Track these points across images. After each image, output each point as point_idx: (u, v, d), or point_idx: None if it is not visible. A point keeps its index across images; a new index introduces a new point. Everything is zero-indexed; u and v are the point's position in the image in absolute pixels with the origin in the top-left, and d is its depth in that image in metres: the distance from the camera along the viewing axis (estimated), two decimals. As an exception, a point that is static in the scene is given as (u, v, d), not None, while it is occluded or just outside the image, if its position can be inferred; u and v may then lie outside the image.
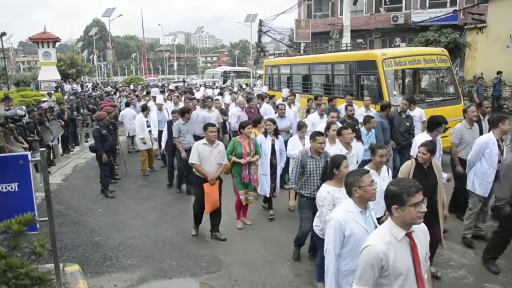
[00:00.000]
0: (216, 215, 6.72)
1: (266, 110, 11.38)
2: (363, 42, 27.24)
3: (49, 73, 30.62)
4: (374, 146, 5.16)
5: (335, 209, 3.68)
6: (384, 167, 5.12)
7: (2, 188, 4.05)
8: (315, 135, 5.58)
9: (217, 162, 6.55)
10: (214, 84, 31.33)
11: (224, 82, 38.52)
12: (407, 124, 8.51)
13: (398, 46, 26.96)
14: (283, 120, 9.24)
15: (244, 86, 27.21)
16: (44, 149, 4.41)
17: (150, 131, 10.89)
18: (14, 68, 78.08)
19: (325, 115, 8.99)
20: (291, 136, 8.72)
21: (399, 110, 8.54)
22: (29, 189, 4.14)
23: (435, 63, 11.20)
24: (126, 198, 9.16)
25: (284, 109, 9.44)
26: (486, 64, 20.24)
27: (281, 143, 7.68)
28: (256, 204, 7.64)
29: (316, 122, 8.84)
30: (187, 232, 7.15)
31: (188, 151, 8.79)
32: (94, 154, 9.57)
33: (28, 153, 4.52)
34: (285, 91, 13.19)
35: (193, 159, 6.48)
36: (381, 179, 4.92)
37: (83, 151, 13.85)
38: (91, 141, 10.64)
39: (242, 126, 7.21)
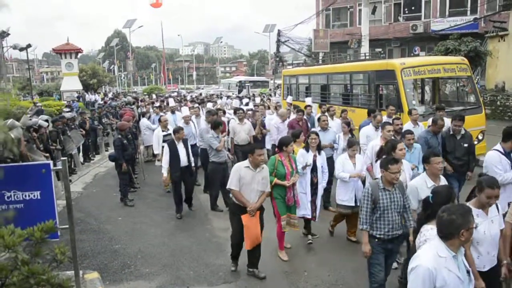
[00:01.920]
0: (255, 249, 5.73)
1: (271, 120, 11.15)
2: (382, 52, 27.17)
3: (71, 83, 31.31)
4: (484, 182, 3.89)
5: (420, 254, 3.00)
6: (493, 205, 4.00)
7: (25, 196, 4.15)
8: (387, 163, 4.57)
9: (259, 189, 5.62)
10: (223, 96, 29.66)
11: (239, 92, 38.09)
12: (465, 145, 7.12)
13: (418, 55, 26.74)
14: (326, 133, 8.43)
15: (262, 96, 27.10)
16: (65, 158, 4.51)
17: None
18: (38, 79, 79.90)
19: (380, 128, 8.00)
20: (334, 151, 8.36)
21: (451, 132, 7.20)
22: (50, 197, 4.23)
23: (455, 72, 11.07)
24: (145, 207, 9.25)
25: (327, 121, 8.65)
26: (508, 73, 19.90)
27: (323, 160, 6.89)
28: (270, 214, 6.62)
29: (372, 135, 8.13)
30: (205, 241, 7.18)
31: (223, 164, 8.55)
32: (114, 163, 9.70)
33: (50, 162, 4.62)
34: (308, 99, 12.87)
35: (232, 184, 5.55)
36: (489, 220, 3.92)
37: (103, 160, 14.05)
38: (111, 150, 10.73)
39: (284, 143, 6.31)
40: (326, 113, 10.12)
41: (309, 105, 11.71)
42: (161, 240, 7.29)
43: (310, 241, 6.80)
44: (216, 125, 8.72)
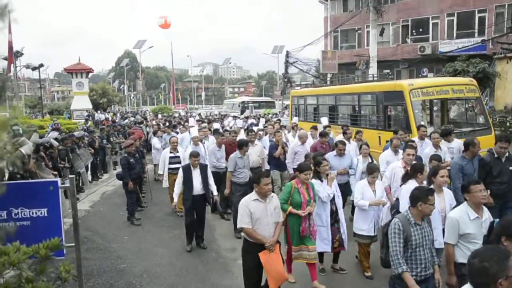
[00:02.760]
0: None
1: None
2: (390, 73, 27.21)
3: (81, 103, 31.70)
4: None
5: None
6: None
7: (32, 213, 4.14)
8: (427, 194, 4.07)
9: (273, 221, 5.06)
10: (229, 116, 28.84)
11: (242, 112, 37.79)
12: (510, 168, 6.49)
13: (426, 76, 26.78)
14: (343, 158, 8.05)
15: (269, 117, 27.14)
16: (73, 176, 4.52)
17: (178, 168, 8.98)
18: (49, 98, 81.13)
19: (400, 151, 7.78)
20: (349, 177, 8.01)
21: (496, 155, 6.56)
22: (58, 215, 4.21)
23: (463, 93, 11.04)
24: (152, 226, 9.21)
25: (343, 150, 8.09)
26: (517, 94, 19.86)
27: (336, 185, 6.41)
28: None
29: (391, 160, 7.75)
30: (212, 261, 7.12)
31: (243, 185, 8.21)
32: (122, 182, 9.72)
33: (58, 179, 4.63)
34: (324, 120, 12.85)
35: (243, 222, 4.93)
36: None
37: (111, 178, 14.10)
38: (119, 169, 10.75)
39: (301, 169, 5.86)
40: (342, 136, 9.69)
41: (328, 126, 11.31)
42: (167, 259, 7.23)
43: (323, 272, 6.37)
44: (241, 145, 8.51)
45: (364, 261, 6.36)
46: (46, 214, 4.19)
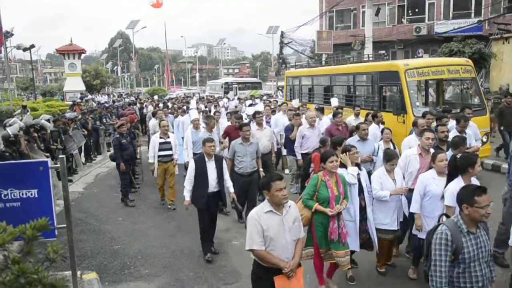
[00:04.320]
0: None
1: (278, 121, 10.94)
2: (386, 54, 27.04)
3: (74, 84, 31.32)
4: None
5: None
6: None
7: (22, 194, 4.08)
8: (472, 194, 3.25)
9: (293, 238, 3.89)
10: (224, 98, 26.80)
11: (225, 93, 36.65)
12: None
13: (421, 57, 26.64)
14: (365, 144, 7.22)
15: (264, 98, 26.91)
16: (63, 156, 4.44)
17: (168, 155, 8.96)
18: (41, 79, 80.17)
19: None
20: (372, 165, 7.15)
21: None
22: (48, 196, 4.16)
23: (459, 73, 10.98)
24: (146, 207, 9.18)
25: (367, 130, 7.44)
26: (512, 75, 19.82)
27: (366, 177, 5.64)
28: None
29: (415, 145, 6.74)
30: (206, 242, 7.10)
31: (245, 176, 7.45)
32: (115, 164, 9.65)
33: (48, 159, 4.56)
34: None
35: (254, 243, 3.74)
36: None
37: (105, 160, 14.02)
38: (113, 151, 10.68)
39: (325, 157, 5.09)
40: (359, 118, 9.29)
41: (339, 107, 10.81)
42: (161, 241, 7.23)
43: (353, 283, 5.52)
44: (241, 127, 7.78)
45: (381, 257, 5.77)
46: (36, 195, 4.13)
